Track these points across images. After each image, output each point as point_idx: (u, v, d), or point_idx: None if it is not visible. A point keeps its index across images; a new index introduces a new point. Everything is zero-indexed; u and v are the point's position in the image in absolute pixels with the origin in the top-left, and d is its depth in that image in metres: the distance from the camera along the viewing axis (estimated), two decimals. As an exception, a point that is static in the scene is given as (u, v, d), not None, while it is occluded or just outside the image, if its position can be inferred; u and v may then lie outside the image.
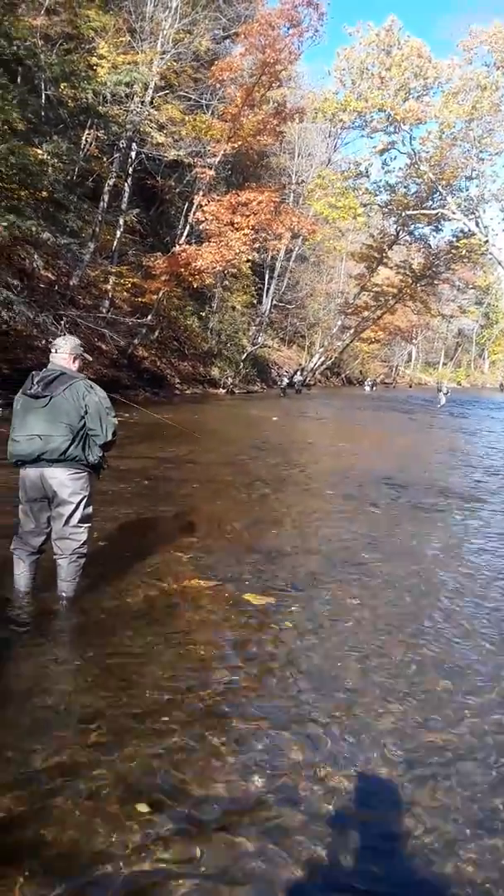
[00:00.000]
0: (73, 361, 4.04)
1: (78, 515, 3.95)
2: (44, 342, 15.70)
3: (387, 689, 3.43)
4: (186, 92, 23.44)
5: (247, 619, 4.21)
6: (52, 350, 4.06)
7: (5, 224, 12.79)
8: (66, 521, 3.94)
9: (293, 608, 4.44)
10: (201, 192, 22.96)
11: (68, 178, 17.73)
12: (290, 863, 2.22)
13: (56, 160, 15.40)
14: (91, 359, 3.79)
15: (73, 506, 3.92)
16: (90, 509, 4.06)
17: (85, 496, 3.97)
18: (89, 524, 4.10)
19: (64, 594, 4.07)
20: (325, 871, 2.22)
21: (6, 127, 13.42)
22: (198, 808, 2.45)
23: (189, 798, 2.50)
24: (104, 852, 2.20)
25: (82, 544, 4.04)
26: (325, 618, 4.32)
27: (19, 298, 14.78)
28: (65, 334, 4.16)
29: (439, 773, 2.76)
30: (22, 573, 4.10)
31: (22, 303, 14.76)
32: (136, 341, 21.93)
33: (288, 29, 22.10)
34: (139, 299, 22.14)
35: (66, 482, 3.86)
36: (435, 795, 2.63)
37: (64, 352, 4.01)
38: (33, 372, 3.95)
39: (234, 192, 23.02)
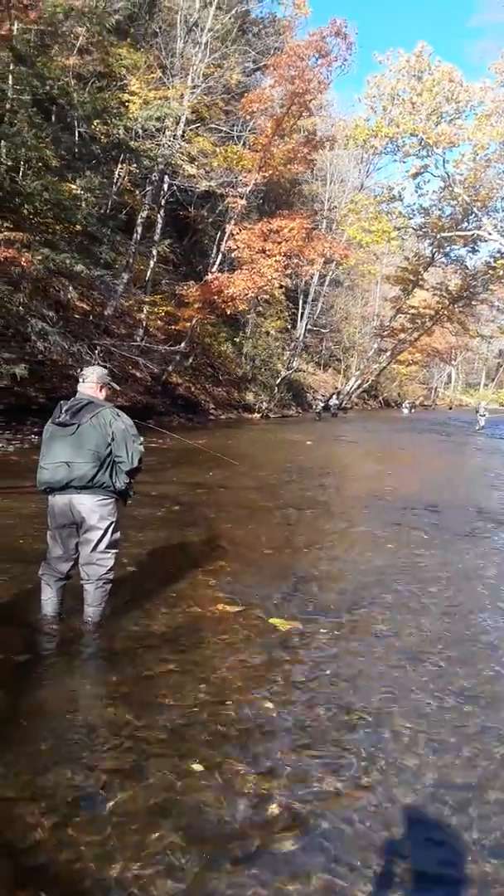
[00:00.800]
0: (101, 390, 4.10)
1: (105, 541, 3.97)
2: (79, 371, 15.94)
3: (414, 721, 3.25)
4: (217, 124, 23.91)
5: (272, 645, 4.08)
6: (80, 380, 4.12)
7: (40, 258, 13.08)
8: (94, 548, 3.95)
9: (320, 635, 4.29)
10: (233, 221, 23.24)
11: (101, 211, 18.15)
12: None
13: (89, 194, 15.79)
14: (119, 388, 3.83)
15: (101, 532, 3.93)
16: (117, 535, 4.07)
17: (112, 522, 3.98)
18: (116, 550, 4.11)
19: (90, 619, 4.07)
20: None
21: (41, 164, 13.83)
22: (218, 834, 2.37)
23: (209, 825, 2.43)
24: (120, 878, 2.15)
25: (109, 570, 4.04)
26: (353, 645, 4.15)
27: (55, 329, 15.06)
28: (97, 363, 4.24)
29: (457, 809, 2.57)
30: (49, 598, 4.12)
31: (57, 333, 15.04)
32: (170, 368, 22.14)
33: (317, 59, 22.38)
34: (173, 327, 22.39)
35: (93, 508, 3.88)
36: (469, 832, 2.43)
37: (91, 381, 4.08)
38: (61, 401, 4.01)
39: (265, 219, 23.24)
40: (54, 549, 4.03)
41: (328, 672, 3.74)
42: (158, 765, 2.76)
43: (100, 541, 3.94)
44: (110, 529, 3.97)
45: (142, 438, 4.00)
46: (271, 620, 4.45)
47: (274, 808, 2.54)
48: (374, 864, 2.28)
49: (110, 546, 4.01)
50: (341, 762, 2.86)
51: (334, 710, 3.31)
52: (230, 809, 2.52)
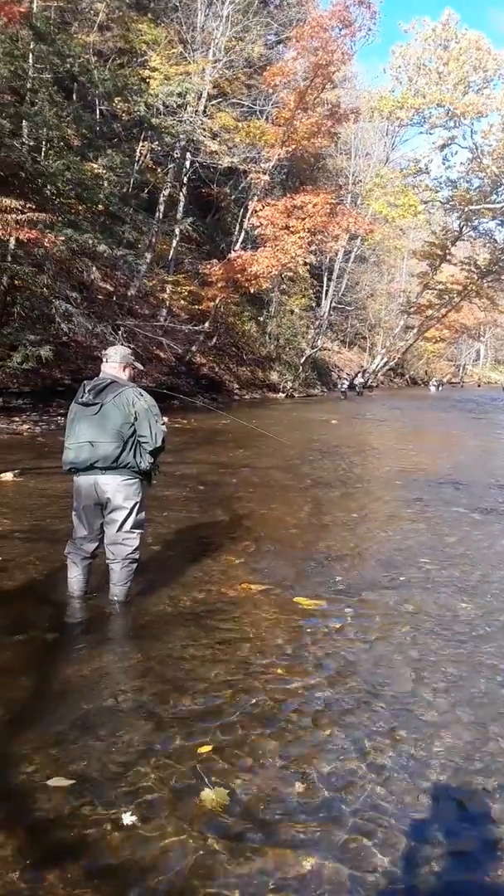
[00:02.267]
0: (124, 370, 4.09)
1: (130, 521, 3.98)
2: (102, 352, 16.02)
3: (440, 698, 3.21)
4: (239, 99, 23.56)
5: (297, 623, 4.07)
6: (104, 360, 4.12)
7: (63, 238, 13.07)
8: (119, 527, 3.97)
9: (345, 613, 4.26)
10: (256, 198, 22.96)
11: (123, 190, 18.07)
12: (341, 866, 2.08)
13: (111, 174, 15.70)
14: (143, 367, 3.84)
15: (126, 512, 3.95)
16: (143, 515, 4.08)
17: (137, 502, 3.99)
18: (141, 530, 4.13)
19: (116, 597, 4.10)
20: (370, 872, 2.03)
21: (62, 143, 13.75)
22: (249, 812, 2.37)
23: (239, 802, 2.42)
24: (154, 856, 2.14)
25: (134, 549, 4.06)
26: (379, 623, 4.12)
27: (79, 310, 15.10)
28: (121, 343, 4.27)
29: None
30: (75, 577, 4.16)
31: (81, 314, 15.09)
32: (193, 348, 22.11)
33: (340, 30, 21.85)
34: (196, 307, 22.32)
35: (118, 488, 3.89)
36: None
37: (114, 361, 4.07)
38: (85, 381, 4.02)
39: (289, 195, 22.92)
40: (79, 529, 4.05)
41: (354, 651, 3.71)
42: (185, 741, 2.77)
43: (125, 521, 3.95)
44: (135, 509, 3.97)
45: (165, 419, 4.00)
46: (296, 599, 4.43)
47: (300, 787, 2.53)
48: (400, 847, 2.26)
49: (135, 526, 4.01)
50: (368, 742, 2.84)
51: (362, 690, 3.28)
52: (258, 790, 2.50)
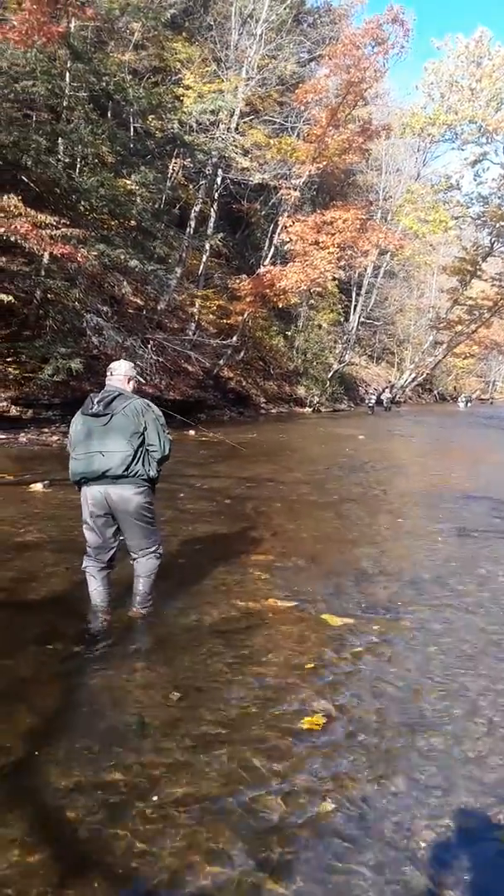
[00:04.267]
0: (128, 383, 4.20)
1: (146, 528, 4.09)
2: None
3: (470, 720, 3.14)
4: (271, 116, 23.79)
5: (324, 641, 4.02)
6: (108, 373, 4.23)
7: (96, 253, 13.27)
8: (136, 534, 4.06)
9: (373, 632, 4.20)
10: (286, 214, 23.09)
11: (155, 206, 18.31)
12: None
13: (144, 190, 15.93)
14: (144, 381, 3.98)
15: (143, 519, 4.03)
16: (153, 518, 4.17)
17: (149, 508, 4.08)
18: (156, 529, 4.24)
19: (141, 589, 4.19)
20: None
21: (96, 160, 13.99)
22: (269, 832, 2.34)
23: (262, 821, 2.40)
24: (173, 869, 2.14)
25: (157, 545, 4.20)
26: (408, 643, 4.05)
27: (109, 324, 15.29)
28: (125, 359, 4.42)
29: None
30: (96, 589, 4.17)
31: (111, 328, 15.26)
32: (221, 362, 22.21)
33: (373, 47, 21.96)
34: (225, 321, 22.45)
35: (129, 498, 3.94)
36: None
37: (119, 374, 4.18)
38: (91, 394, 4.09)
39: (319, 211, 23.00)
40: (93, 540, 4.10)
41: (382, 670, 3.65)
42: (207, 757, 2.75)
43: (139, 528, 4.04)
44: (147, 516, 4.07)
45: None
46: (323, 616, 4.38)
47: (327, 805, 2.49)
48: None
49: (150, 532, 4.13)
50: (398, 766, 2.78)
51: (391, 710, 3.23)
52: (285, 806, 2.48)
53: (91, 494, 3.96)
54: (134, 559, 4.18)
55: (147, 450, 3.96)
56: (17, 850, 2.19)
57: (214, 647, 3.83)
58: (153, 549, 4.16)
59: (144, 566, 4.16)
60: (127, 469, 3.87)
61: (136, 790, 2.53)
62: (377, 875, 2.16)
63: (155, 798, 2.49)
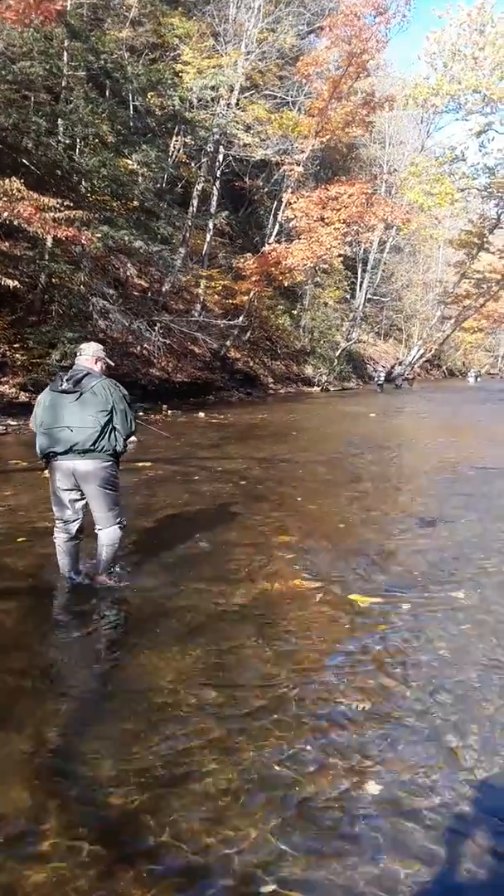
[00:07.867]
0: (96, 363, 4.40)
1: (110, 499, 4.26)
2: (139, 348, 16.01)
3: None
4: (272, 90, 23.35)
5: (353, 621, 3.96)
6: (77, 354, 4.48)
7: (99, 235, 13.08)
8: (100, 506, 4.24)
9: (402, 610, 4.13)
10: (290, 190, 22.75)
11: (158, 185, 18.05)
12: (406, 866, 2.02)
13: (146, 169, 15.68)
14: (113, 364, 4.07)
15: (104, 492, 4.21)
16: (118, 492, 4.37)
17: (113, 482, 4.27)
18: (119, 504, 4.39)
19: (102, 557, 4.35)
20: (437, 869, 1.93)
21: (97, 140, 13.75)
22: (310, 812, 2.33)
23: (303, 801, 2.38)
24: (219, 850, 2.14)
25: (119, 518, 4.34)
26: (437, 621, 3.98)
27: (115, 307, 15.13)
28: (95, 343, 4.58)
29: None
30: (63, 559, 4.40)
31: (117, 311, 15.10)
32: (228, 343, 22.03)
33: (374, 17, 21.47)
34: (230, 301, 22.24)
35: (95, 472, 4.13)
36: None
37: (87, 355, 4.40)
38: (60, 372, 4.34)
39: (323, 186, 22.64)
40: (61, 512, 4.29)
41: (412, 649, 3.59)
42: (242, 738, 2.73)
43: (104, 499, 4.22)
44: (111, 488, 4.25)
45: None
46: (350, 596, 4.31)
47: (372, 786, 2.46)
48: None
49: (115, 503, 4.30)
50: (430, 746, 2.72)
51: (422, 690, 3.17)
52: (320, 787, 2.45)
53: (59, 468, 4.14)
54: (99, 529, 4.31)
55: (115, 426, 4.13)
56: (65, 840, 2.17)
57: (243, 631, 3.78)
58: (117, 519, 4.32)
59: (109, 535, 4.31)
60: (94, 444, 4.06)
61: (175, 774, 2.51)
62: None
63: (195, 782, 2.47)
